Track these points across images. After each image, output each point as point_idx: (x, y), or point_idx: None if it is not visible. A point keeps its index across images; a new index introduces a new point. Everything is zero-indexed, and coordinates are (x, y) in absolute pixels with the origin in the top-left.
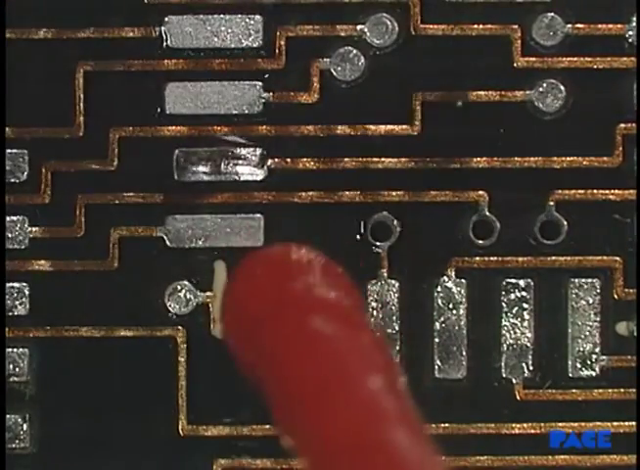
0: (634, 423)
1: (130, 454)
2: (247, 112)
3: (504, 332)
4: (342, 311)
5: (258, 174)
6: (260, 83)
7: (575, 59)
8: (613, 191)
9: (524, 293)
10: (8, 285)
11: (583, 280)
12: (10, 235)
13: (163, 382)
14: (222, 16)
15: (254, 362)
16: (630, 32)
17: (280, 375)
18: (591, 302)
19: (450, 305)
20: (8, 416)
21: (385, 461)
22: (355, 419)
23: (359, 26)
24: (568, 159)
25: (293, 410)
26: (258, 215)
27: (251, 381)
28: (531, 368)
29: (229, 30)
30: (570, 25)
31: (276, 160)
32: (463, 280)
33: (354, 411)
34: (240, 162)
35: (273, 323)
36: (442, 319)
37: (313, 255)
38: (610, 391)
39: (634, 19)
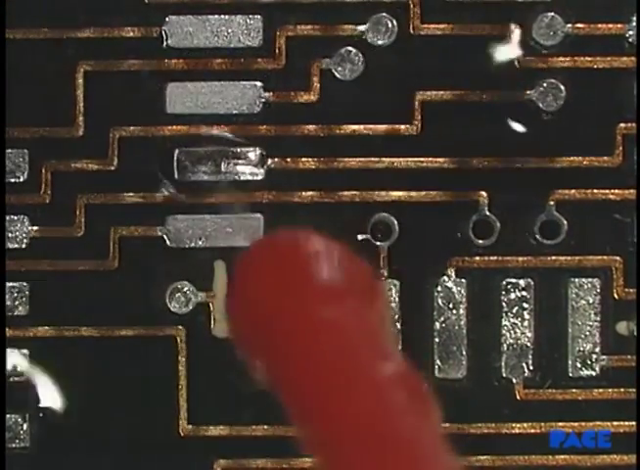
0: (634, 423)
1: (130, 454)
2: (247, 112)
3: (504, 332)
4: (352, 299)
5: (258, 174)
6: (260, 83)
7: (575, 59)
8: (613, 191)
9: (524, 293)
10: (8, 285)
11: (583, 280)
12: (10, 235)
13: (164, 382)
14: (222, 16)
15: (264, 358)
16: (630, 32)
17: (291, 369)
18: (591, 302)
19: (450, 305)
20: (8, 416)
21: (395, 452)
22: (366, 409)
23: (359, 26)
24: (568, 159)
25: (304, 404)
26: (258, 215)
27: (260, 379)
28: (531, 368)
29: (229, 30)
30: (570, 25)
31: (276, 160)
32: (463, 280)
33: (365, 401)
34: (240, 161)
35: (282, 317)
36: (442, 319)
37: (319, 240)
38: (610, 391)
39: (634, 19)
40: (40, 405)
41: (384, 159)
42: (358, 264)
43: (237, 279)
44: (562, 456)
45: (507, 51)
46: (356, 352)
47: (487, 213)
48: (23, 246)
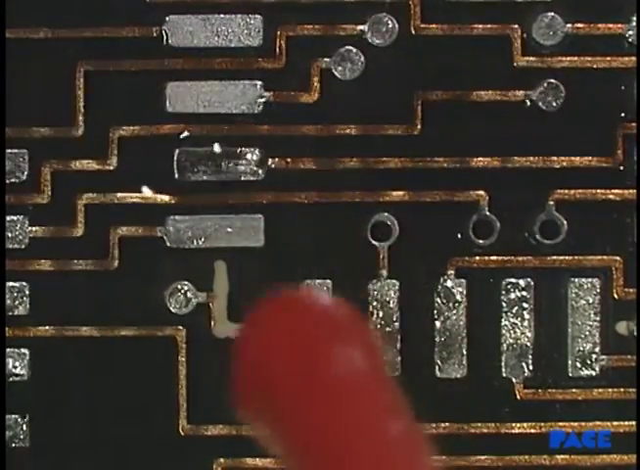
0: (634, 423)
1: (130, 454)
2: (247, 112)
3: (504, 332)
4: (359, 353)
5: (258, 174)
6: (260, 83)
7: (575, 59)
8: (613, 191)
9: (524, 293)
10: (8, 285)
11: (583, 280)
12: (10, 235)
13: (164, 382)
14: (222, 15)
15: (270, 417)
16: (630, 32)
17: (299, 429)
18: (591, 301)
19: (450, 305)
20: (8, 416)
21: None
22: (376, 465)
23: (359, 26)
24: (568, 159)
25: (311, 462)
26: (258, 215)
27: (262, 438)
28: (531, 368)
29: (229, 30)
30: (570, 25)
31: (276, 160)
32: (463, 280)
33: (373, 460)
34: (240, 161)
35: (291, 376)
36: (442, 319)
37: (321, 298)
38: (610, 391)
39: (634, 19)
40: (40, 405)
41: (384, 159)
42: (357, 317)
43: (244, 341)
44: (562, 456)
45: (507, 51)
46: (367, 410)
47: (487, 213)
48: (23, 246)
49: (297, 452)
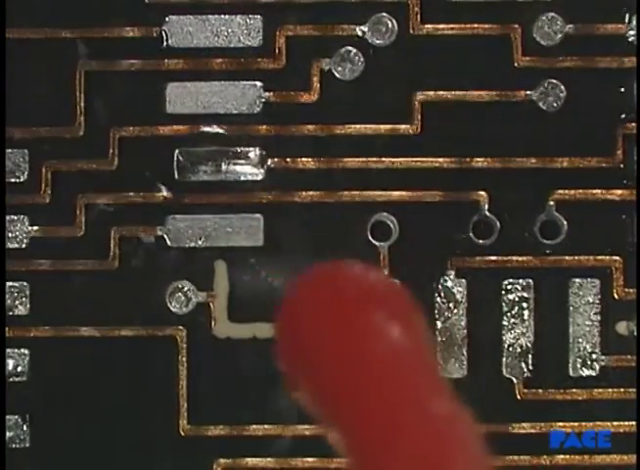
0: (634, 423)
1: (130, 454)
2: (247, 112)
3: (504, 332)
4: (404, 329)
5: (258, 174)
6: (260, 83)
7: (575, 59)
8: (613, 191)
9: (524, 293)
10: (8, 285)
11: (583, 280)
12: (10, 235)
13: (164, 382)
14: (222, 16)
15: (314, 391)
16: (630, 32)
17: (341, 398)
18: (591, 301)
19: (450, 305)
20: (8, 416)
21: None
22: (418, 447)
23: (359, 26)
24: (568, 159)
25: (352, 434)
26: (258, 215)
27: (299, 398)
28: (531, 368)
29: (229, 30)
30: (570, 25)
31: (276, 160)
32: (463, 280)
33: (418, 438)
34: (240, 161)
35: (330, 351)
36: (443, 319)
37: (361, 267)
38: (610, 391)
39: (634, 19)
40: (40, 405)
41: (384, 159)
42: (400, 290)
43: (282, 322)
44: (562, 456)
45: (507, 51)
46: (413, 386)
47: (487, 213)
48: (23, 246)
49: (337, 422)
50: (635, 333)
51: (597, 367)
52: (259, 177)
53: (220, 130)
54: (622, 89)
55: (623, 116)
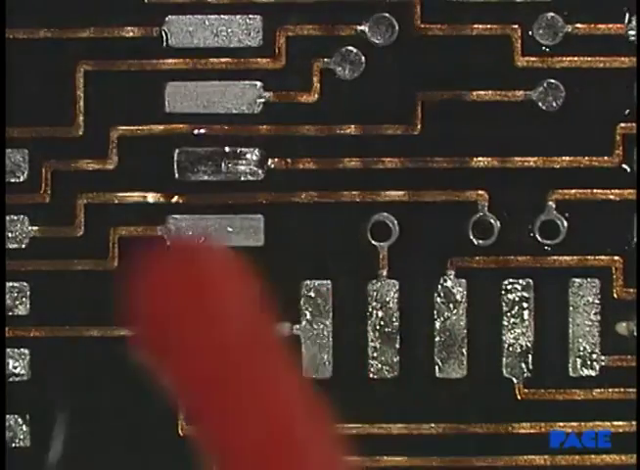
0: (634, 423)
1: (130, 454)
2: (247, 112)
3: (504, 332)
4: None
5: (258, 174)
6: (260, 83)
7: (575, 59)
8: (613, 191)
9: (524, 293)
10: (8, 285)
11: (583, 280)
12: (10, 235)
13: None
14: (222, 16)
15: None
16: (630, 32)
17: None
18: (591, 301)
19: (450, 305)
20: (8, 416)
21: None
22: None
23: (359, 26)
24: (568, 159)
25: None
26: (258, 216)
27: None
28: (531, 368)
29: (229, 30)
30: (570, 25)
31: (276, 160)
32: (463, 280)
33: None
34: (240, 162)
35: (180, 323)
36: (442, 319)
37: (208, 245)
38: (610, 391)
39: (634, 19)
40: (40, 405)
41: (384, 159)
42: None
43: (138, 291)
44: (562, 456)
45: (507, 51)
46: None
47: (487, 213)
48: (23, 246)
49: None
50: (635, 333)
51: (597, 367)
52: (259, 177)
53: (220, 130)
54: (622, 89)
55: (623, 116)
